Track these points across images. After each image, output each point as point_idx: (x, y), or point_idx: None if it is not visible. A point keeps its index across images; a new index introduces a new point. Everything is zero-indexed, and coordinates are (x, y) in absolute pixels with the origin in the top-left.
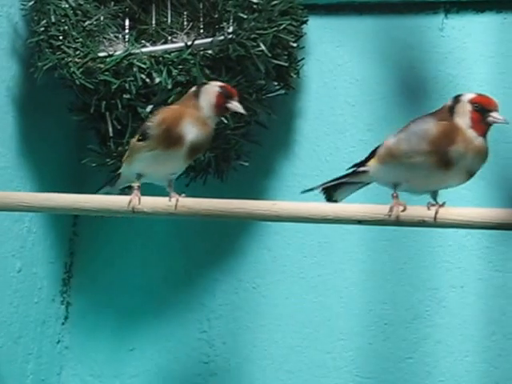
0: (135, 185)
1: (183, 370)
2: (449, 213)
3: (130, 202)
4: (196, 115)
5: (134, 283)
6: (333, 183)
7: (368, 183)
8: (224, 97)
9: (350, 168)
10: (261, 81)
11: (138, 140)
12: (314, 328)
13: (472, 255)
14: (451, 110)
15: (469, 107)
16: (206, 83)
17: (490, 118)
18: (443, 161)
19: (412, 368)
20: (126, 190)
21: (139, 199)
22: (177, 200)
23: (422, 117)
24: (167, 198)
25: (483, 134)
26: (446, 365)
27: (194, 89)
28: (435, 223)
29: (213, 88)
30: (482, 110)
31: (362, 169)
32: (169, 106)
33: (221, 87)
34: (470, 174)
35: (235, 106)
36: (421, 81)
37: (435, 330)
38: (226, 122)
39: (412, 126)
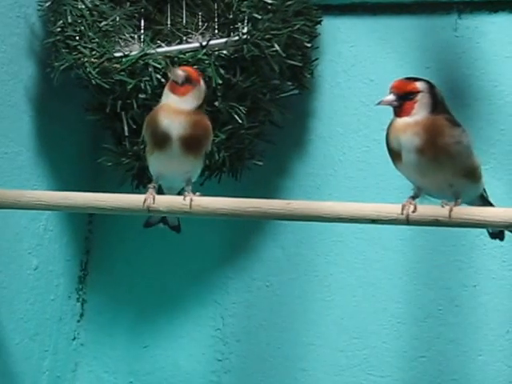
0: (151, 185)
1: (197, 367)
2: (462, 212)
3: (145, 201)
4: (169, 107)
5: (148, 281)
6: None
7: None
8: (171, 77)
9: None
10: (275, 81)
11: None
12: (327, 326)
13: (485, 254)
14: None
15: None
16: None
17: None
18: None
19: (425, 367)
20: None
21: (154, 198)
22: (191, 199)
23: None
24: (182, 197)
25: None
26: (459, 364)
27: None
28: (449, 222)
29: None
30: None
31: None
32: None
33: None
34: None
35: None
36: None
37: (448, 329)
38: (240, 121)
39: None
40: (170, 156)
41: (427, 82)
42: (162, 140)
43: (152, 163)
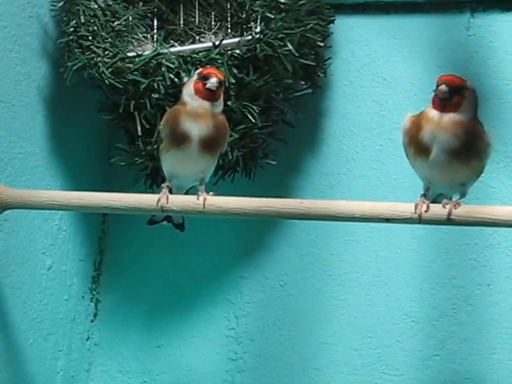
0: (164, 184)
1: (211, 366)
2: (475, 211)
3: (158, 200)
4: (192, 109)
5: (162, 281)
6: None
7: None
8: (201, 80)
9: None
10: (288, 80)
11: (161, 142)
12: (341, 325)
13: (498, 253)
14: None
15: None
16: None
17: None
18: None
19: (439, 365)
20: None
21: (167, 198)
22: (204, 198)
23: None
24: (195, 197)
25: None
26: (473, 362)
27: None
28: (461, 222)
29: (192, 78)
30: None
31: None
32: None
33: (198, 73)
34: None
35: (211, 83)
36: None
37: (462, 328)
38: (253, 121)
39: None
40: (186, 154)
41: (471, 83)
42: (181, 138)
43: (166, 161)
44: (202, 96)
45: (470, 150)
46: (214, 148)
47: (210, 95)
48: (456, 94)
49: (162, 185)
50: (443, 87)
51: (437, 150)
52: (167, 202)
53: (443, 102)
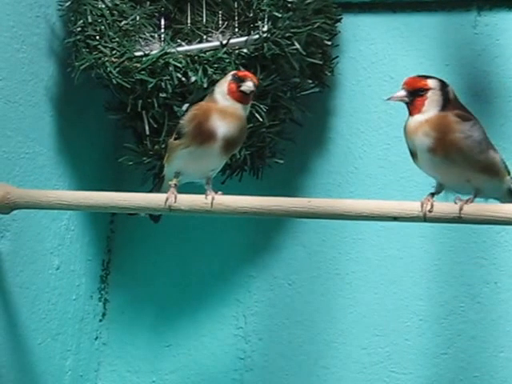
0: (172, 183)
1: (220, 365)
2: (484, 209)
3: (166, 199)
4: (222, 108)
5: (170, 280)
6: None
7: None
8: (236, 82)
9: None
10: (295, 79)
11: (175, 139)
12: (349, 324)
13: (506, 251)
14: None
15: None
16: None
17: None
18: None
19: (447, 364)
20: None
21: (175, 197)
22: (213, 198)
23: None
24: (203, 196)
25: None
26: (481, 360)
27: None
28: (469, 220)
29: (226, 78)
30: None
31: None
32: (199, 102)
33: (233, 74)
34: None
35: (247, 86)
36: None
37: (469, 326)
38: (261, 120)
39: None
40: (205, 152)
41: (440, 80)
42: (206, 136)
43: (179, 157)
44: (234, 97)
45: (444, 143)
46: (232, 149)
47: (242, 98)
48: (416, 96)
49: (170, 183)
50: (400, 92)
51: (419, 153)
52: (175, 201)
53: (408, 106)
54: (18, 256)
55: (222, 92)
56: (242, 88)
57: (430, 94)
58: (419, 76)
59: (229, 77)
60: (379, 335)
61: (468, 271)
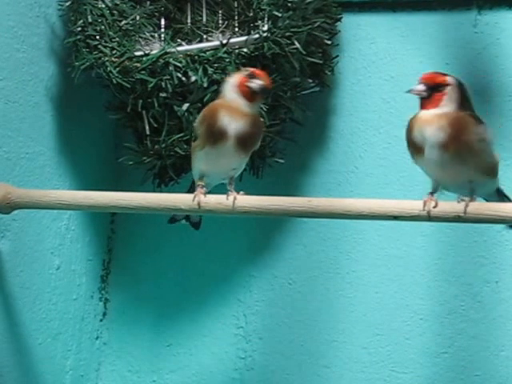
0: (199, 183)
1: (220, 365)
2: (485, 208)
3: (194, 197)
4: (232, 106)
5: (171, 279)
6: None
7: None
8: (248, 77)
9: None
10: (295, 78)
11: (193, 141)
12: (350, 323)
13: (507, 250)
14: None
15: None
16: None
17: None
18: None
19: (447, 363)
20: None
21: (204, 195)
22: (234, 198)
23: None
24: (225, 196)
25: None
26: (482, 359)
27: None
28: (470, 218)
29: (241, 71)
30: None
31: None
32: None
33: (248, 70)
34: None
35: (255, 83)
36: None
37: (470, 325)
38: (261, 119)
39: None
40: (221, 152)
41: (456, 78)
42: (217, 136)
43: (199, 158)
44: (240, 90)
45: (458, 142)
46: (248, 146)
47: (248, 93)
48: (435, 92)
49: (198, 182)
50: (419, 86)
51: (428, 147)
52: (205, 197)
53: (424, 101)
54: (18, 256)
55: (232, 83)
56: (250, 84)
57: (449, 89)
58: (436, 72)
59: (244, 71)
60: (380, 334)
61: (469, 270)
